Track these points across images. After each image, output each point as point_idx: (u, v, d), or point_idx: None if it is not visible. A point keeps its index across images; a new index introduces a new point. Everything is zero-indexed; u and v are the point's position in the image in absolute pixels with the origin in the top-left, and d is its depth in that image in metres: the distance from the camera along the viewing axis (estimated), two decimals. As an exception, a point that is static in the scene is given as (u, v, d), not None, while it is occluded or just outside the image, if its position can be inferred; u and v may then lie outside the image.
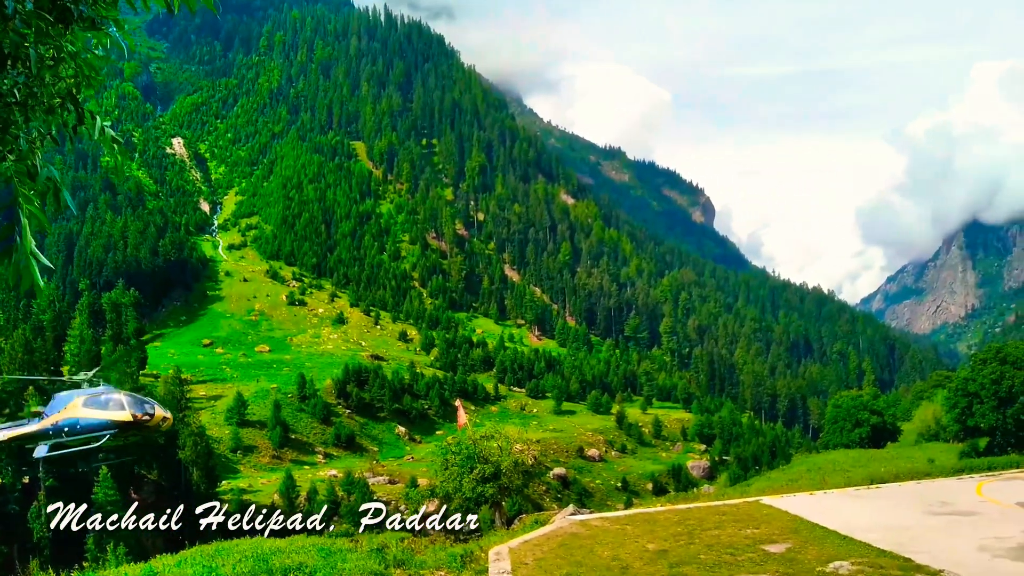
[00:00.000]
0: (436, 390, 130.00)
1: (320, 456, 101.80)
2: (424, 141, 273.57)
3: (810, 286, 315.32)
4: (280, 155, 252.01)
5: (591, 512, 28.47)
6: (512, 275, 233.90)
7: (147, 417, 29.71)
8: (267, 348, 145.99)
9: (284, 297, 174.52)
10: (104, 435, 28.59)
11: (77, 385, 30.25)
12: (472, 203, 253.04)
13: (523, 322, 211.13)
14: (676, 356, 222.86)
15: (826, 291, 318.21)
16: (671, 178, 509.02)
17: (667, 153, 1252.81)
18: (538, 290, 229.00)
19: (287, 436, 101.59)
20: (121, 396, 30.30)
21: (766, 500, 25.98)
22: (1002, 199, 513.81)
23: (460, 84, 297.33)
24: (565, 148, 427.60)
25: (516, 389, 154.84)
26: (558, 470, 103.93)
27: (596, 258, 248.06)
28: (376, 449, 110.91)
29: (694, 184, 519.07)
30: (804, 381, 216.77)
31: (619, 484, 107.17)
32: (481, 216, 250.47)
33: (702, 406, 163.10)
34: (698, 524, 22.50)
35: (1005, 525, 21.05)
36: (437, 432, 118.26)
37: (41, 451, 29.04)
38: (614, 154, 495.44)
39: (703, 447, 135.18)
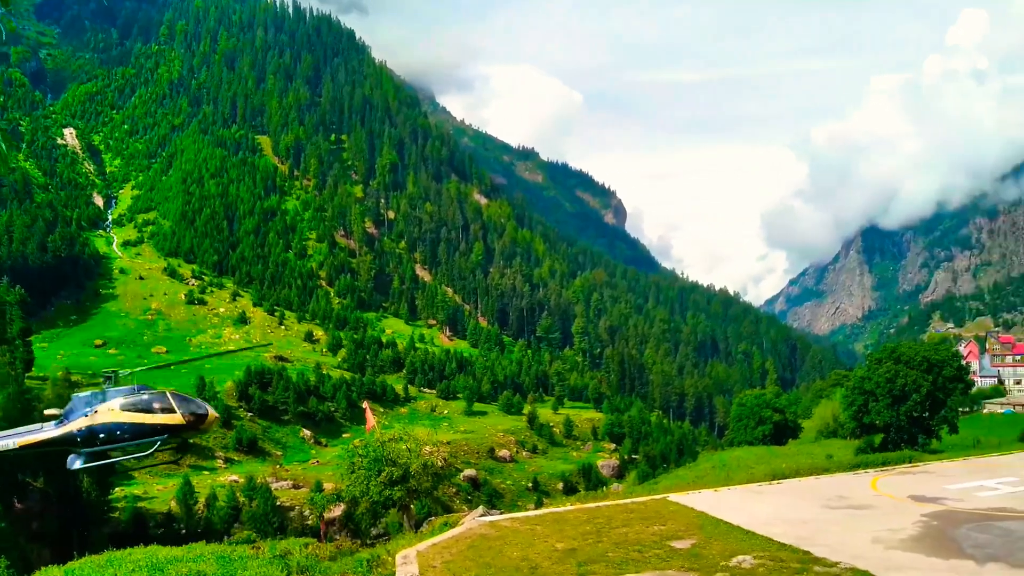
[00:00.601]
0: (343, 392, 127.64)
1: (220, 461, 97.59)
2: (333, 137, 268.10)
3: (717, 288, 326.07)
4: (180, 148, 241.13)
5: (501, 513, 27.84)
6: (423, 275, 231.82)
7: (199, 419, 26.33)
8: (164, 349, 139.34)
9: (183, 296, 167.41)
10: (154, 442, 24.63)
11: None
12: (383, 201, 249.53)
13: (434, 322, 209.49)
14: (587, 356, 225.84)
15: (732, 293, 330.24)
16: (584, 180, 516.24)
17: (580, 155, 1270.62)
18: (450, 290, 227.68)
19: (185, 440, 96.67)
20: (168, 395, 26.45)
21: (673, 497, 26.03)
22: (897, 206, 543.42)
23: (371, 80, 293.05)
24: (479, 147, 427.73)
25: (427, 390, 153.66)
26: (468, 471, 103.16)
27: (509, 258, 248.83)
28: (280, 453, 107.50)
29: (606, 186, 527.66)
30: (711, 380, 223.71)
31: (530, 484, 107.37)
32: (392, 214, 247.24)
33: (612, 406, 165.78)
34: (607, 522, 22.30)
35: (898, 518, 21.60)
36: (344, 435, 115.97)
37: (76, 462, 24.83)
38: (528, 155, 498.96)
39: (613, 446, 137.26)
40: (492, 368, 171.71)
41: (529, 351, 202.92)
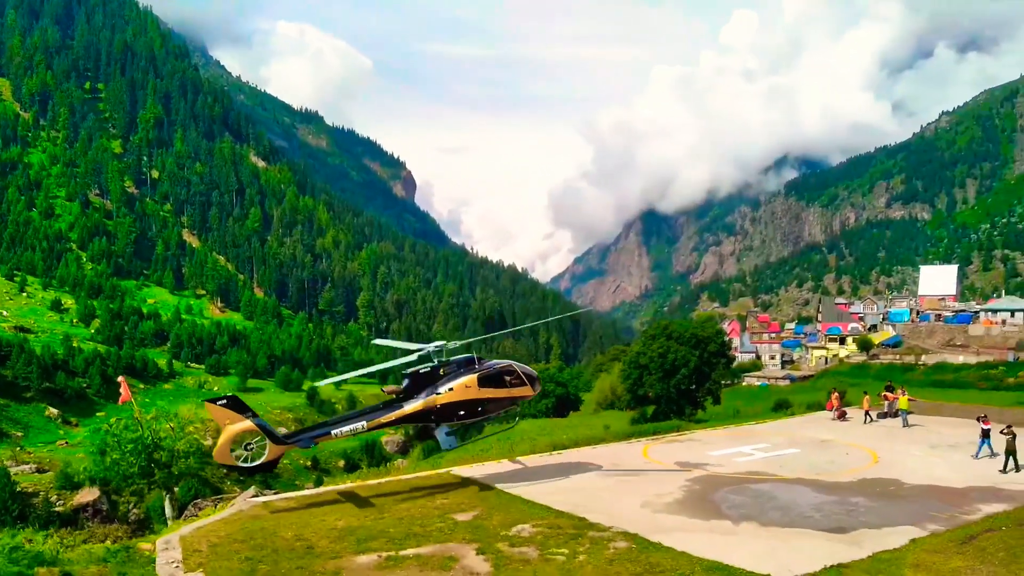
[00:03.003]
0: (97, 367, 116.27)
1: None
2: (88, 85, 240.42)
3: (506, 264, 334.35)
4: None
5: (276, 493, 26.88)
6: (192, 240, 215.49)
7: (538, 390, 25.89)
8: None
9: None
10: (513, 414, 25.08)
11: (427, 356, 24.05)
12: (146, 159, 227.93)
13: (204, 292, 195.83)
14: (373, 330, 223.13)
15: (520, 269, 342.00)
16: (372, 148, 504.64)
17: (368, 122, 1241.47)
18: (222, 258, 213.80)
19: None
20: (515, 365, 24.95)
21: (456, 470, 26.67)
22: (673, 192, 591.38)
23: (134, 25, 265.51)
24: (256, 107, 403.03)
25: (194, 365, 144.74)
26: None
27: (289, 227, 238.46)
28: (20, 434, 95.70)
29: (395, 156, 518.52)
30: (498, 355, 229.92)
31: (309, 463, 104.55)
32: (156, 174, 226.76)
33: (399, 381, 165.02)
34: (388, 498, 22.38)
35: (665, 483, 23.86)
36: (98, 414, 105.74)
37: (451, 442, 23.90)
38: (311, 118, 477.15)
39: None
40: (269, 342, 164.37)
41: (310, 325, 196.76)
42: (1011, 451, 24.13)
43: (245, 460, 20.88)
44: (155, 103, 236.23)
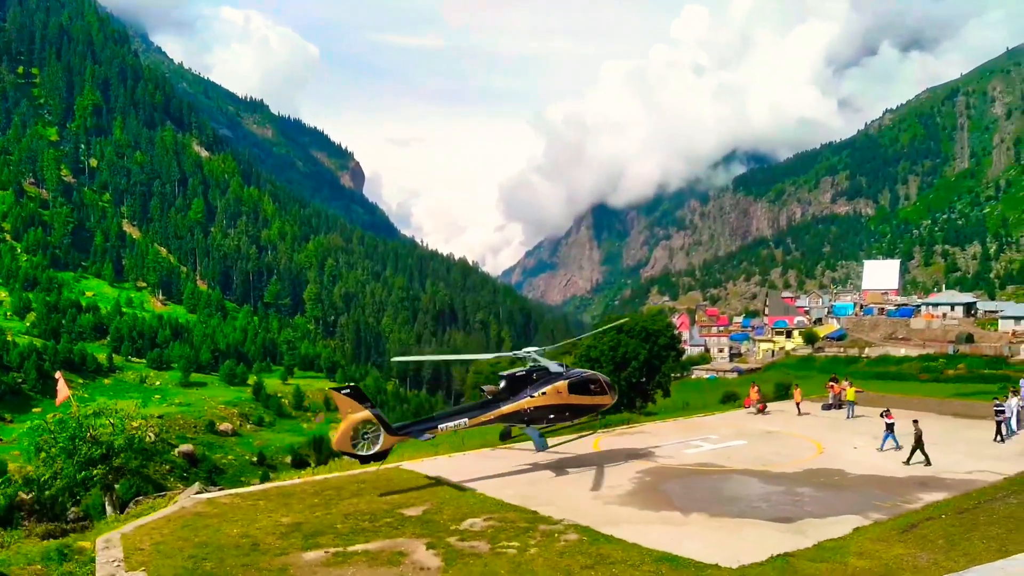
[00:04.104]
0: (33, 361, 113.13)
1: None
2: (21, 69, 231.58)
3: (456, 257, 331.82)
4: None
5: (221, 489, 26.23)
6: (132, 231, 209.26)
7: (615, 400, 27.34)
8: None
9: None
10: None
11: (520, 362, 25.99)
12: (83, 147, 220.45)
13: (145, 285, 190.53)
14: (321, 324, 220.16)
15: (471, 263, 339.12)
16: (319, 138, 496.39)
17: (315, 112, 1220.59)
18: (164, 250, 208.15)
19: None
20: (598, 375, 26.70)
21: (406, 465, 26.45)
22: (624, 186, 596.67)
23: (70, 8, 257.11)
24: (199, 95, 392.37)
25: (135, 359, 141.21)
26: (184, 447, 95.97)
27: (234, 218, 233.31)
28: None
29: (343, 147, 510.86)
30: (448, 349, 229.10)
31: (255, 459, 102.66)
32: (94, 163, 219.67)
33: (347, 375, 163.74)
34: (336, 494, 22.09)
35: (616, 475, 23.98)
36: (34, 410, 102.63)
37: (543, 443, 24.90)
38: (256, 107, 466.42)
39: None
40: (213, 336, 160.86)
41: (255, 318, 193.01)
42: (919, 444, 24.67)
43: (362, 448, 21.60)
44: (93, 89, 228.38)
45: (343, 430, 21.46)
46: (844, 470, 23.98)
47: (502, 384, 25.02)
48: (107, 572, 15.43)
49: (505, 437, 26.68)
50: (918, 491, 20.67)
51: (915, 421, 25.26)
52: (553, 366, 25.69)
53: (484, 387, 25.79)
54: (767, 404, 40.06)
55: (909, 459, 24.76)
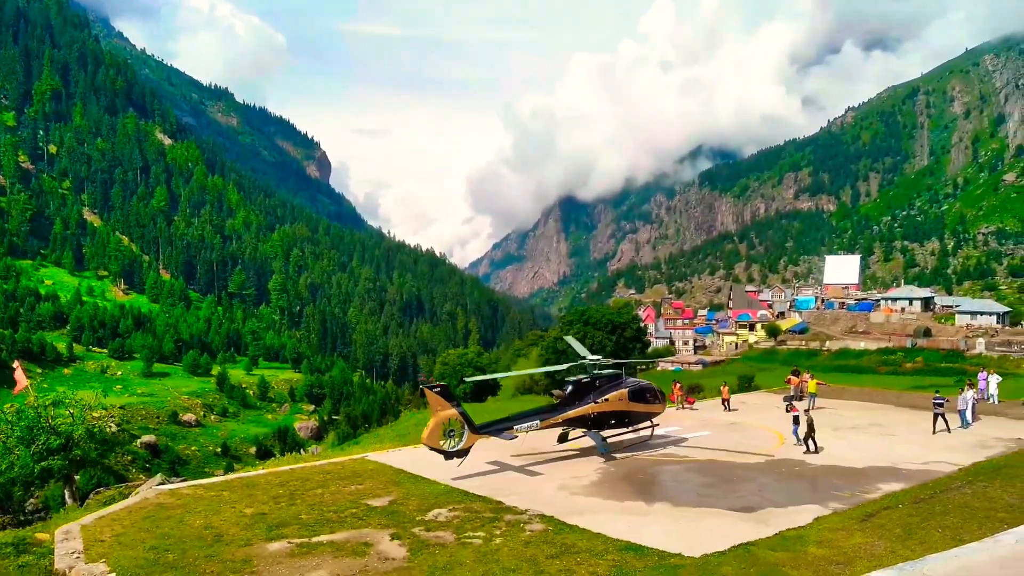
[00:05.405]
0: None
1: None
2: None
3: (424, 249, 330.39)
4: None
5: (184, 480, 25.90)
6: (93, 219, 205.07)
7: (664, 409, 28.75)
8: None
9: None
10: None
11: (581, 367, 27.18)
12: (42, 133, 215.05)
13: (106, 273, 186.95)
14: (286, 314, 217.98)
15: (439, 254, 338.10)
16: (284, 127, 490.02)
17: (280, 101, 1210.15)
18: (126, 238, 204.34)
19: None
20: (653, 385, 27.88)
21: (372, 456, 26.33)
22: (592, 180, 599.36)
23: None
24: (162, 81, 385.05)
25: (96, 349, 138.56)
26: (147, 438, 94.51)
27: (197, 206, 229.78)
28: None
29: (309, 137, 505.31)
30: (415, 340, 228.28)
31: (219, 450, 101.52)
32: (54, 149, 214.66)
33: (312, 366, 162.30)
34: (301, 485, 21.93)
35: (581, 466, 24.20)
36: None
37: (606, 447, 26.19)
38: (221, 94, 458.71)
39: (312, 408, 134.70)
40: (176, 325, 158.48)
41: (220, 308, 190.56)
42: (811, 431, 25.56)
43: (448, 445, 22.26)
44: (52, 74, 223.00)
45: (432, 426, 22.18)
46: (805, 460, 24.43)
47: (568, 389, 26.48)
48: (66, 564, 15.15)
49: (563, 440, 27.62)
50: (876, 481, 21.12)
51: (807, 410, 26.10)
52: (614, 375, 27.10)
53: (554, 392, 27.47)
54: (694, 399, 40.34)
55: (808, 447, 25.57)
